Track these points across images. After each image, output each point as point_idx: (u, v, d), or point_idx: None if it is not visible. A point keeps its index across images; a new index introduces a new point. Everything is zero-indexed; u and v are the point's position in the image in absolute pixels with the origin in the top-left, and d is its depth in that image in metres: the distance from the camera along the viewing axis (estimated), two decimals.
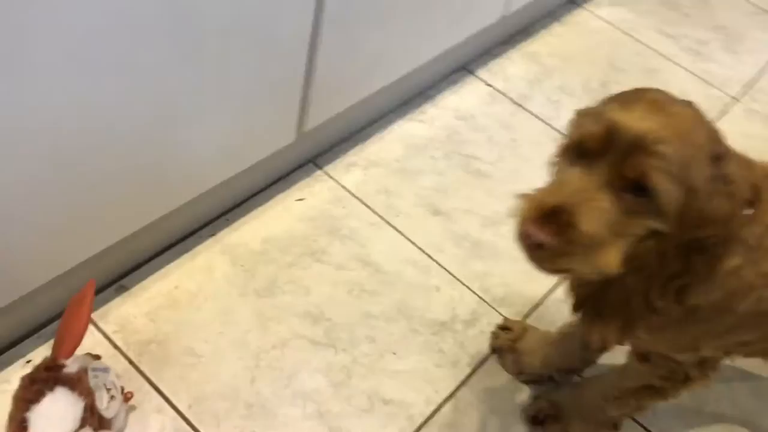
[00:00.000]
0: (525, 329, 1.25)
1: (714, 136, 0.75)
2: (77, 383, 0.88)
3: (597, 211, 0.71)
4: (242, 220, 1.37)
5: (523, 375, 1.24)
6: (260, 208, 1.40)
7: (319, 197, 1.44)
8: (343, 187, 1.46)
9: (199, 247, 1.32)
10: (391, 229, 1.41)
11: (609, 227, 0.71)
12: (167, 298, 1.23)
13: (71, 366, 0.90)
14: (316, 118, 1.31)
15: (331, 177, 1.48)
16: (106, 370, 1.03)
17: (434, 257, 1.38)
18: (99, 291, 1.22)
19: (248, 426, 1.11)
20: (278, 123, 1.26)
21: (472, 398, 1.21)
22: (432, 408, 1.19)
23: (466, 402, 1.20)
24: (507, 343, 1.25)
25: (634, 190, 0.71)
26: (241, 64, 1.08)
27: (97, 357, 1.04)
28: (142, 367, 1.15)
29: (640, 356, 1.00)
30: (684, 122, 0.73)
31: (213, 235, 1.34)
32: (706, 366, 0.97)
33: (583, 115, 0.79)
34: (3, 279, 0.99)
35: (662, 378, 0.98)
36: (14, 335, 1.14)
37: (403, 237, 1.39)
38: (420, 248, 1.39)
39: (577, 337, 1.17)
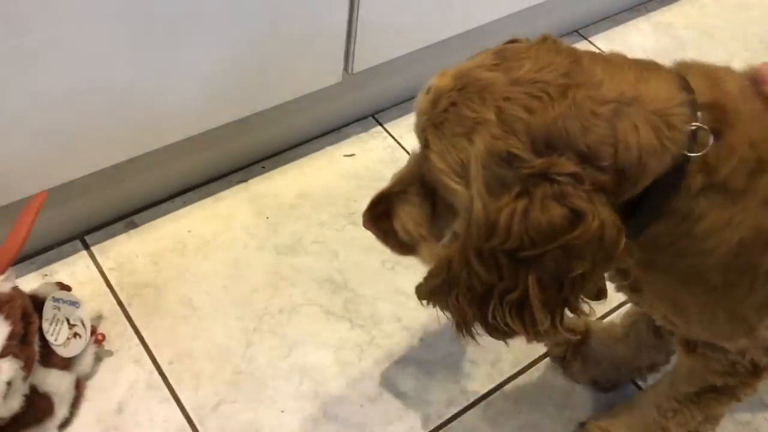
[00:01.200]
0: (586, 328, 1.01)
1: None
2: (5, 304, 0.75)
3: (407, 204, 0.65)
4: (280, 169, 1.22)
5: (598, 384, 1.00)
6: (303, 159, 1.24)
7: (371, 155, 1.26)
8: (402, 147, 1.27)
9: (225, 192, 1.17)
10: None
11: (421, 223, 0.65)
12: (177, 241, 1.10)
13: (2, 284, 0.78)
14: (364, 59, 1.13)
15: (390, 134, 1.29)
16: (73, 303, 0.91)
17: None
18: (107, 224, 1.11)
19: (230, 394, 0.95)
20: (323, 56, 1.10)
21: (507, 407, 0.98)
22: (454, 411, 0.97)
23: (497, 410, 0.97)
24: (570, 350, 1.01)
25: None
26: None
27: (67, 288, 0.92)
28: (131, 311, 1.02)
29: (686, 345, 0.75)
30: (491, 83, 0.55)
31: (244, 181, 1.19)
32: None
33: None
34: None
35: (722, 374, 0.74)
36: None
37: None
38: None
39: (644, 324, 0.92)
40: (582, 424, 0.96)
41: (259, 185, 1.19)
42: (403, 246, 0.69)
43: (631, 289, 0.71)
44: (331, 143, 1.27)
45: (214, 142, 1.13)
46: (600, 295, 0.62)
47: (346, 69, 1.14)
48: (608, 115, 0.54)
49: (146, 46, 0.90)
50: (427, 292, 0.66)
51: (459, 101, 0.55)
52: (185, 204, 1.15)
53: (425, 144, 0.58)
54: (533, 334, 0.59)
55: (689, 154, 0.55)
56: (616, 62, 0.57)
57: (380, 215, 0.68)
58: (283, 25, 1.01)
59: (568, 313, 0.60)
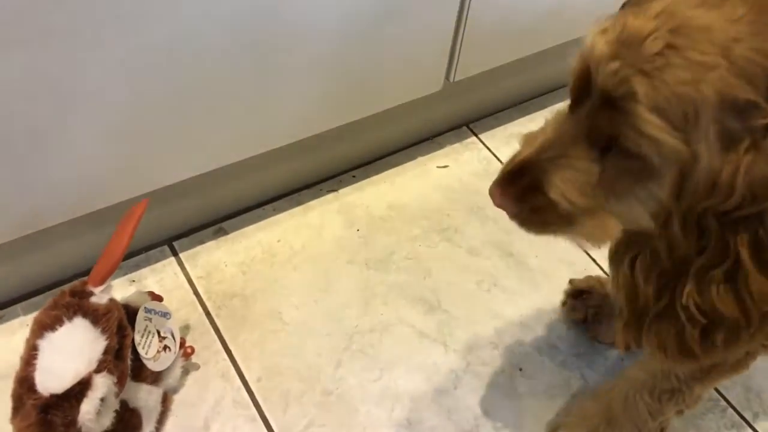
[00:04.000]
0: (604, 285, 0.95)
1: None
2: (102, 317, 0.72)
3: (569, 170, 0.55)
4: (371, 179, 1.17)
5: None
6: (394, 170, 1.19)
7: (466, 167, 1.20)
8: (498, 159, 1.21)
9: (315, 202, 1.13)
10: None
11: (585, 192, 0.54)
12: (266, 250, 1.06)
13: (100, 296, 0.74)
14: (467, 67, 1.07)
15: (485, 146, 1.23)
16: (164, 315, 0.87)
17: (598, 260, 1.09)
18: (197, 230, 1.08)
19: (320, 417, 0.90)
20: (426, 64, 1.04)
21: None
22: None
23: None
24: (591, 312, 0.96)
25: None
26: None
27: (158, 298, 0.88)
28: (218, 323, 0.98)
29: None
30: (699, 42, 0.47)
31: (334, 191, 1.15)
32: None
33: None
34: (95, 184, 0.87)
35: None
36: None
37: None
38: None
39: None
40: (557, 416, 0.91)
41: (350, 195, 1.14)
42: (560, 221, 0.58)
43: None
44: (424, 153, 1.21)
45: (306, 149, 1.09)
46: None
47: (447, 77, 1.08)
48: None
49: (250, 48, 0.86)
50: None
51: (679, 44, 0.48)
52: (275, 212, 1.11)
53: (631, 96, 0.49)
54: (754, 317, 0.52)
55: None
56: None
57: (525, 189, 0.58)
58: (388, 32, 0.96)
59: None
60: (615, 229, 0.57)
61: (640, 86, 0.48)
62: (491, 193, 0.60)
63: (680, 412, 0.83)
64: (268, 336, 0.97)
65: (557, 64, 1.26)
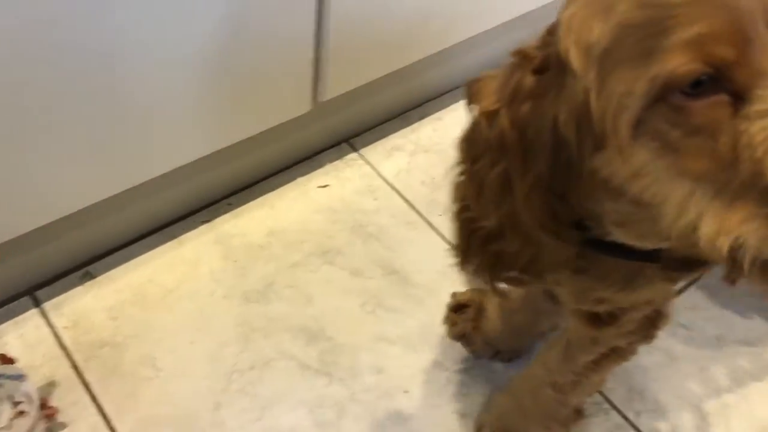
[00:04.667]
0: (482, 299, 0.96)
1: None
2: None
3: None
4: (248, 205, 1.13)
5: (501, 355, 0.98)
6: (273, 193, 1.15)
7: (348, 184, 1.17)
8: (380, 174, 1.19)
9: (189, 234, 1.09)
10: (431, 231, 1.12)
11: None
12: (137, 292, 1.01)
13: None
14: (335, 87, 1.04)
15: (367, 161, 1.21)
16: (19, 377, 0.82)
17: None
18: (61, 276, 1.02)
19: None
20: (290, 86, 1.01)
21: None
22: None
23: None
24: (469, 326, 0.97)
25: None
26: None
27: (9, 361, 0.83)
28: (87, 376, 0.93)
29: (591, 318, 0.70)
30: None
31: (208, 221, 1.11)
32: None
33: None
34: None
35: (629, 334, 0.71)
36: None
37: (443, 242, 1.10)
38: None
39: (538, 292, 0.88)
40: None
41: (227, 224, 1.10)
42: None
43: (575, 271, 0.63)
44: (303, 174, 1.18)
45: (176, 180, 1.04)
46: None
47: (314, 97, 1.05)
48: None
49: (102, 87, 0.81)
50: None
51: None
52: (146, 250, 1.06)
53: None
54: None
55: None
56: None
57: None
58: (245, 57, 0.92)
59: None
60: None
61: None
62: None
63: (590, 394, 0.87)
64: (142, 385, 0.93)
65: (435, 72, 1.25)
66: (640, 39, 0.42)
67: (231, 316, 1.00)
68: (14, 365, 0.82)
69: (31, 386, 0.83)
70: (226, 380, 0.94)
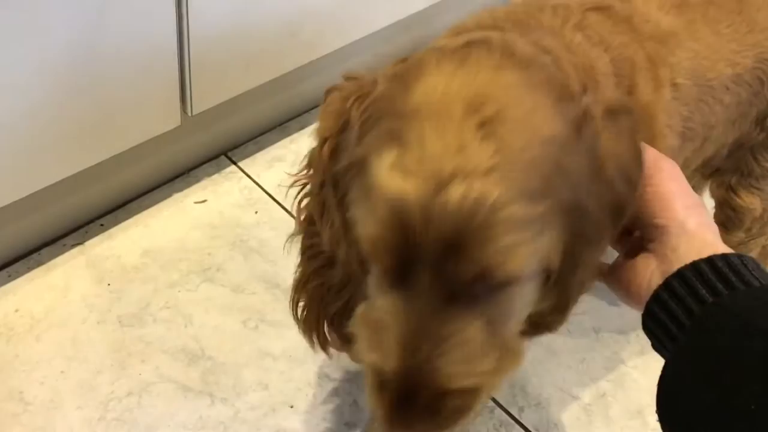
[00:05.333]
0: None
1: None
2: None
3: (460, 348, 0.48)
4: (122, 225, 1.09)
5: None
6: (148, 211, 1.11)
7: (226, 198, 1.15)
8: (260, 186, 1.17)
9: (58, 259, 1.04)
10: None
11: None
12: (1, 324, 0.96)
13: None
14: (204, 100, 1.02)
15: (246, 174, 1.19)
16: None
17: None
18: None
19: None
20: (156, 101, 0.98)
21: None
22: None
23: None
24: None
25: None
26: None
27: None
28: None
29: None
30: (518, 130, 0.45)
31: (80, 244, 1.06)
32: None
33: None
34: None
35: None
36: None
37: None
38: None
39: None
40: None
41: (100, 246, 1.06)
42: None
43: None
44: (179, 190, 1.15)
45: (42, 202, 0.99)
46: None
47: (184, 111, 1.03)
48: None
49: None
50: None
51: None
52: (10, 278, 1.00)
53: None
54: None
55: None
56: None
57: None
58: (105, 70, 0.89)
59: None
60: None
61: None
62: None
63: None
64: (8, 422, 0.87)
65: (310, 82, 1.24)
66: None
67: (105, 343, 0.96)
68: None
69: None
70: (102, 409, 0.90)
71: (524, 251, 0.45)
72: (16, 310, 0.97)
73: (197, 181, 1.16)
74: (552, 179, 0.45)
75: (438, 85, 0.45)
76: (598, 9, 0.63)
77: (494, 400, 0.98)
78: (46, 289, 1.00)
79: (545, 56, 0.51)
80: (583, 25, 0.61)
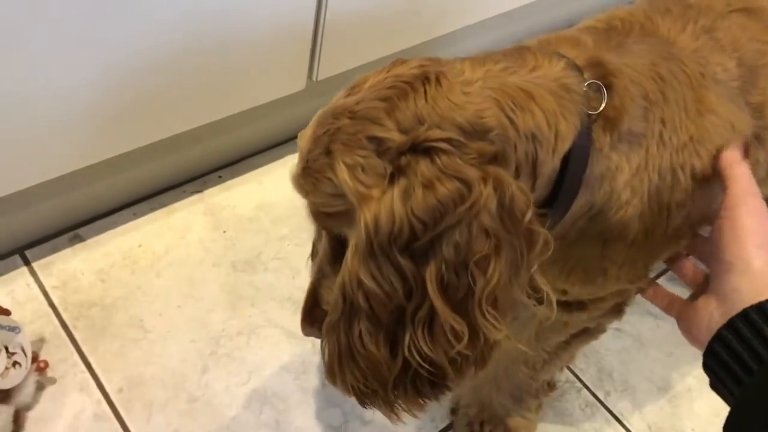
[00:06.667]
0: None
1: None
2: None
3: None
4: (239, 179, 1.15)
5: None
6: (262, 169, 1.17)
7: None
8: None
9: (179, 204, 1.10)
10: None
11: None
12: (126, 256, 1.03)
13: None
14: (329, 66, 1.07)
15: None
16: (13, 329, 0.83)
17: None
18: (51, 237, 1.03)
19: (185, 425, 0.89)
20: (287, 64, 1.03)
21: None
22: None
23: None
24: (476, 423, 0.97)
25: None
26: None
27: (5, 312, 0.84)
28: (76, 334, 0.94)
29: (563, 306, 0.72)
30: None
31: (199, 191, 1.12)
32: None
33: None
34: None
35: (599, 317, 0.74)
36: None
37: None
38: None
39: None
40: (453, 411, 0.96)
41: (216, 196, 1.12)
42: None
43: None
44: (292, 152, 1.20)
45: (167, 150, 1.06)
46: (537, 292, 0.54)
47: (310, 76, 1.08)
48: (480, 89, 0.51)
49: (106, 41, 0.82)
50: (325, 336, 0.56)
51: (315, 135, 0.53)
52: (135, 216, 1.07)
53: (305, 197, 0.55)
54: (457, 361, 0.50)
55: (592, 112, 0.54)
56: (476, 56, 0.56)
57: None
58: (246, 33, 0.94)
59: (492, 321, 0.49)
60: None
61: (301, 189, 0.58)
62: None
63: (561, 369, 0.91)
64: (130, 345, 0.94)
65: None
66: None
67: (219, 284, 1.02)
68: (10, 317, 0.83)
69: (26, 339, 0.84)
70: (213, 344, 0.96)
71: None
72: (140, 246, 1.04)
73: None
74: None
75: None
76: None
77: (582, 382, 1.01)
78: (167, 229, 1.07)
79: None
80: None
